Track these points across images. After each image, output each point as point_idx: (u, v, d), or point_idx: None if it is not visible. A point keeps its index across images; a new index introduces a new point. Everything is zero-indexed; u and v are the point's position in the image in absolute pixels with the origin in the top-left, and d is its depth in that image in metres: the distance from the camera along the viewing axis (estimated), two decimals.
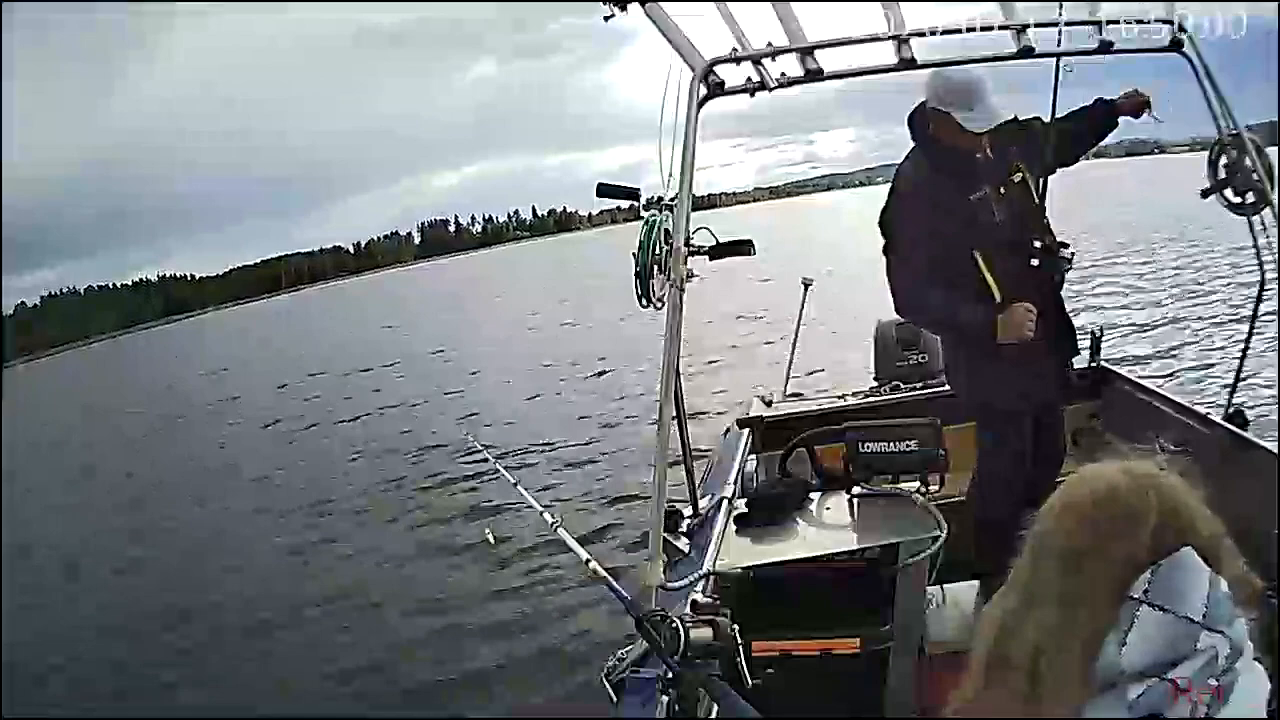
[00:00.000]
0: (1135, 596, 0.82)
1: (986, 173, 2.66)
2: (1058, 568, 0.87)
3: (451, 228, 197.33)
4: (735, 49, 2.25)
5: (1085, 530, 0.87)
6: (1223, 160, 2.66)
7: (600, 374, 12.51)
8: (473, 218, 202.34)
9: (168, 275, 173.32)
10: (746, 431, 3.69)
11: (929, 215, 2.64)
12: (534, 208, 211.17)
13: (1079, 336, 2.92)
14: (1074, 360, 2.95)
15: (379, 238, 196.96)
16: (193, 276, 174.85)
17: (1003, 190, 2.64)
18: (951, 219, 2.61)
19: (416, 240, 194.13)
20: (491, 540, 5.67)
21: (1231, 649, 0.82)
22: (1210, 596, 0.82)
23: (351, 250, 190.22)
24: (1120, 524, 0.85)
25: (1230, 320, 9.14)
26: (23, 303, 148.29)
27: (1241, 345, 3.02)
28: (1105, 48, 2.38)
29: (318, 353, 24.39)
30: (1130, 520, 0.85)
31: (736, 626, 1.65)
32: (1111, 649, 0.82)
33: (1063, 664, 0.83)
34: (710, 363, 11.03)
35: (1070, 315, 2.80)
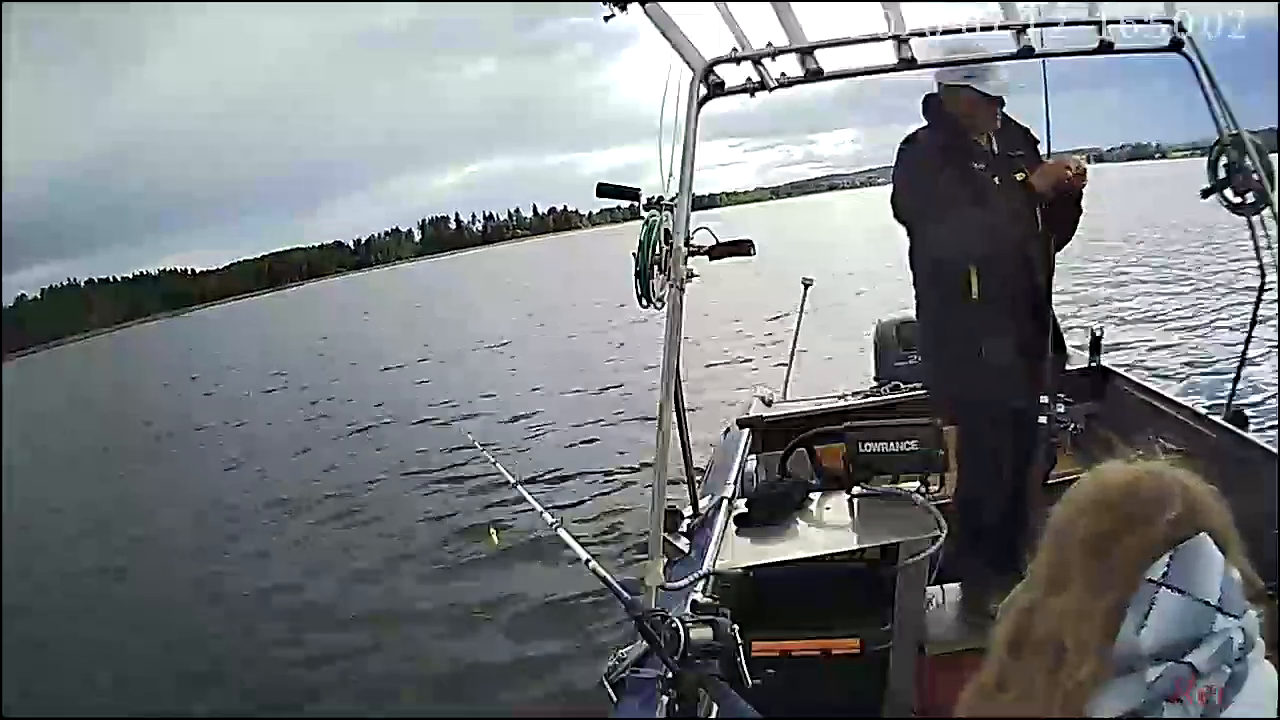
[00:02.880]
0: (1154, 579, 0.84)
1: (990, 158, 2.69)
2: (1082, 551, 0.89)
3: (452, 225, 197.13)
4: (735, 49, 2.25)
5: (1110, 516, 0.89)
6: (1222, 160, 2.66)
7: (606, 383, 12.44)
8: (474, 215, 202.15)
9: (167, 269, 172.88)
10: (746, 431, 3.69)
11: (933, 180, 2.66)
12: (535, 206, 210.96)
13: (1063, 334, 2.92)
14: (1060, 360, 2.92)
15: (380, 234, 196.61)
16: (193, 271, 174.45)
17: (999, 181, 2.64)
18: (951, 184, 2.62)
19: (417, 237, 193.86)
20: (495, 540, 5.67)
21: (1245, 638, 0.84)
22: (1224, 581, 0.84)
23: (352, 246, 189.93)
24: (1143, 510, 0.87)
25: (1229, 321, 9.12)
26: (22, 295, 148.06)
27: (1241, 345, 3.02)
28: (1105, 48, 2.38)
29: (321, 350, 24.41)
30: (1153, 507, 0.87)
31: (736, 626, 1.64)
32: (1130, 631, 0.84)
33: (1085, 640, 0.85)
34: (710, 365, 10.98)
35: (1055, 317, 2.79)
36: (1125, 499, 0.89)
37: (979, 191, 2.62)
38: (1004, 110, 2.74)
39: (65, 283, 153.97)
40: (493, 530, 5.70)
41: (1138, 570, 0.85)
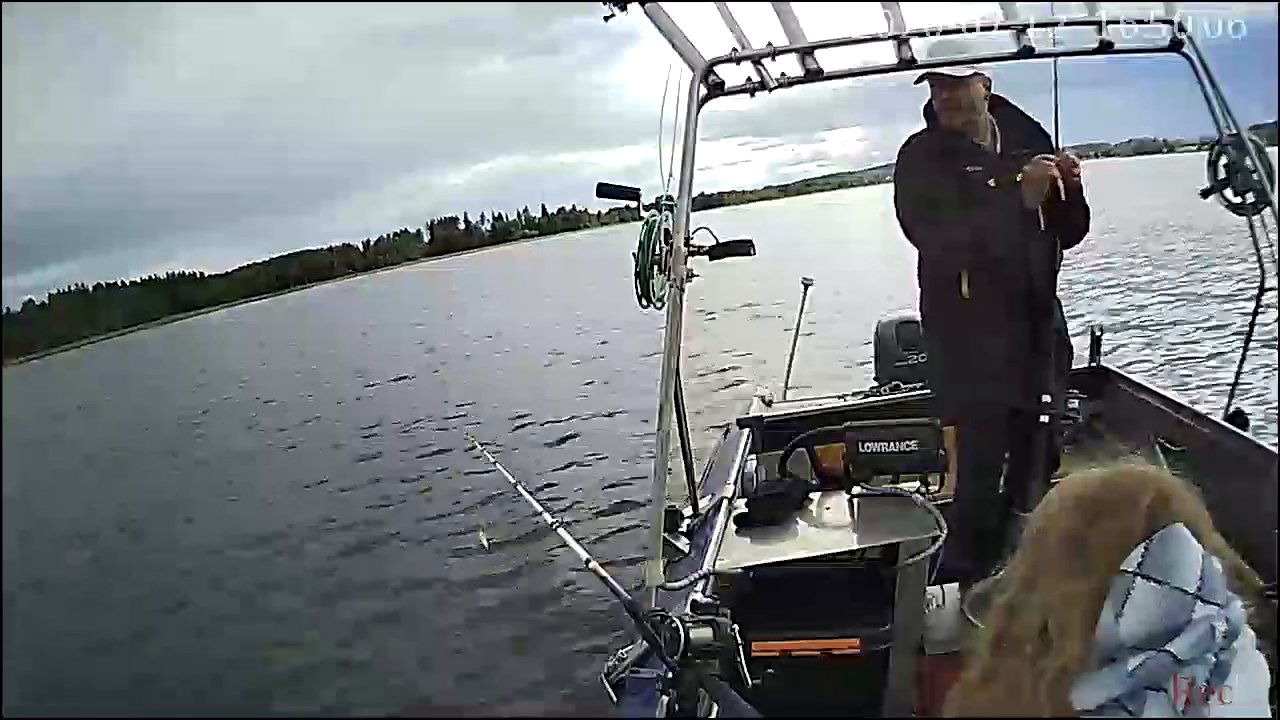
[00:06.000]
0: (1129, 570, 0.85)
1: (987, 159, 2.68)
2: (1059, 549, 0.90)
3: (461, 225, 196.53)
4: (735, 49, 2.25)
5: (1083, 512, 0.90)
6: (1223, 160, 2.66)
7: (606, 382, 12.43)
8: (482, 216, 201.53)
9: (175, 273, 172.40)
10: (746, 431, 3.69)
11: (923, 183, 2.69)
12: (543, 206, 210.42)
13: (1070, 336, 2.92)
14: (1064, 361, 2.90)
15: (389, 235, 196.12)
16: (201, 274, 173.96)
17: (995, 183, 2.63)
18: (940, 188, 2.64)
19: (426, 238, 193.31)
20: (485, 544, 5.68)
21: (1229, 626, 0.84)
22: (1204, 570, 0.85)
23: (361, 248, 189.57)
24: (1116, 503, 0.88)
25: (1230, 319, 9.10)
26: (30, 300, 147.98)
27: (1241, 345, 3.02)
28: (1105, 48, 2.38)
29: (326, 355, 24.41)
30: (1126, 500, 0.88)
31: (736, 626, 1.65)
32: (1109, 622, 0.84)
33: (1067, 627, 0.86)
34: (716, 373, 10.97)
35: (1055, 320, 2.77)
36: (1099, 494, 0.90)
37: (970, 194, 2.62)
38: (1011, 106, 2.74)
39: (73, 287, 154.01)
40: (483, 533, 5.71)
41: (1114, 560, 0.86)
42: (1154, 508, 0.87)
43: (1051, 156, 2.52)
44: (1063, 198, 2.51)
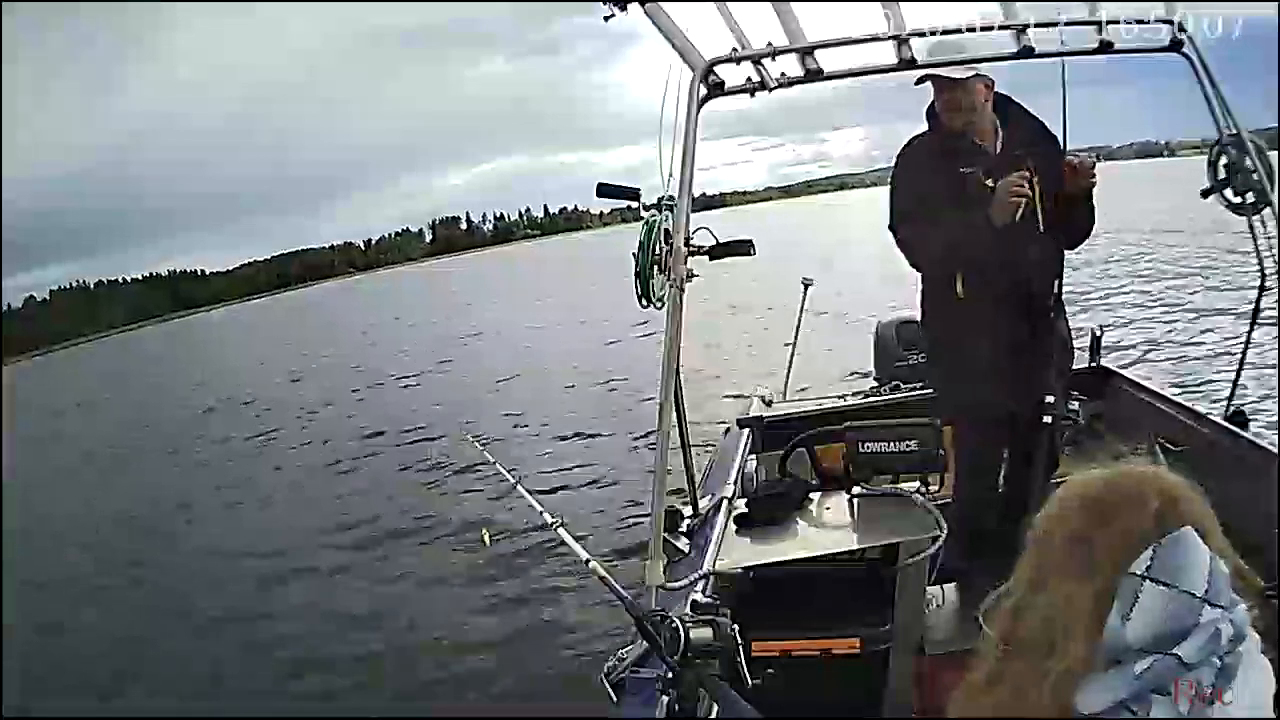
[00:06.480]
0: (1138, 573, 0.85)
1: (987, 159, 2.67)
2: (1064, 550, 0.90)
3: (463, 225, 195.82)
4: (735, 49, 2.25)
5: (1089, 513, 0.90)
6: (1222, 160, 2.66)
7: (608, 383, 12.40)
8: (484, 216, 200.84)
9: (176, 271, 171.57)
10: (746, 431, 3.69)
11: (917, 184, 2.70)
12: (545, 206, 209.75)
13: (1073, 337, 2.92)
14: (1065, 363, 2.89)
15: (390, 235, 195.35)
16: (202, 272, 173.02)
17: (993, 183, 2.61)
18: (933, 188, 2.65)
19: (428, 238, 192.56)
20: (487, 541, 5.67)
21: (1234, 630, 0.84)
22: (1211, 573, 0.85)
23: (362, 247, 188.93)
24: (1123, 505, 0.88)
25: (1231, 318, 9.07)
26: (31, 296, 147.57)
27: (1242, 345, 3.02)
28: (1105, 48, 2.38)
29: (327, 354, 24.37)
30: (1132, 501, 0.88)
31: (736, 626, 1.65)
32: (1116, 624, 0.84)
33: (1072, 628, 0.86)
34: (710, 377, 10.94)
35: (1056, 322, 2.76)
36: (1104, 495, 0.91)
37: (967, 194, 2.61)
38: (1017, 105, 2.73)
39: (73, 284, 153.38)
40: (485, 531, 5.71)
41: (1120, 562, 0.86)
42: (1163, 510, 0.87)
43: (1024, 177, 2.51)
44: (1022, 209, 2.50)
